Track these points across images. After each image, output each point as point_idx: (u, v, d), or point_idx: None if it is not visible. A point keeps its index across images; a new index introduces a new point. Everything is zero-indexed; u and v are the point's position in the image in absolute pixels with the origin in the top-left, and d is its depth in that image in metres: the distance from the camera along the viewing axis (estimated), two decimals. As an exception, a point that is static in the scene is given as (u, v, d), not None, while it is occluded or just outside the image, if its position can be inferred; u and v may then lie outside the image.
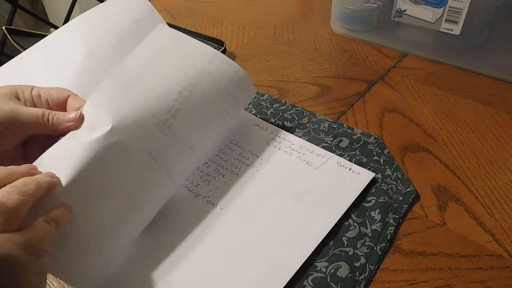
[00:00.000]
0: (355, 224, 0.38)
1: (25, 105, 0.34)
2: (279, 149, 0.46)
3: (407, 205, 0.40)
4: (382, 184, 0.42)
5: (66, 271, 0.32)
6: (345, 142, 0.48)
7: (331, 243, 0.37)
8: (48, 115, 0.33)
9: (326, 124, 0.51)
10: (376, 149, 0.47)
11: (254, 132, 0.49)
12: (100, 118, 0.34)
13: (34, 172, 0.31)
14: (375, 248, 0.37)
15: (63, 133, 0.34)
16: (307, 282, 0.34)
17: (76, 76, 0.44)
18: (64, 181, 0.31)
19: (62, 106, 0.36)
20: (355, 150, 0.47)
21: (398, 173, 0.44)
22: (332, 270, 0.35)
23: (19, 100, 0.34)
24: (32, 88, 0.35)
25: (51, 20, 0.85)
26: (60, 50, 0.46)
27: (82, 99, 0.36)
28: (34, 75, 0.44)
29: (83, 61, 0.45)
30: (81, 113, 0.34)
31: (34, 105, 0.35)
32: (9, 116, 0.32)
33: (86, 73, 0.45)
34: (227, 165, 0.45)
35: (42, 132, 0.34)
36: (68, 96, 0.36)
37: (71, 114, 0.34)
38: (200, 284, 0.34)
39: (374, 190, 0.42)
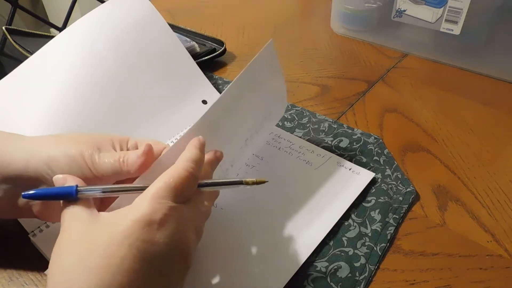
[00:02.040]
0: (355, 224, 0.38)
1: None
2: (279, 149, 0.46)
3: (407, 205, 0.40)
4: (382, 184, 0.42)
5: None
6: (345, 142, 0.48)
7: (331, 243, 0.37)
8: (124, 156, 0.30)
9: (326, 124, 0.51)
10: (376, 149, 0.47)
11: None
12: None
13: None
14: (375, 248, 0.37)
15: (137, 174, 0.30)
16: (307, 282, 0.34)
17: (77, 77, 0.44)
18: None
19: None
20: (355, 150, 0.47)
21: (398, 173, 0.44)
22: (332, 270, 0.35)
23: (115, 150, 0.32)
24: (128, 139, 0.33)
25: (51, 20, 0.85)
26: (61, 52, 0.46)
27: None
28: (36, 79, 0.44)
29: (84, 62, 0.45)
30: (149, 144, 0.31)
31: None
32: (93, 161, 0.30)
33: (87, 74, 0.45)
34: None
35: (121, 178, 0.31)
36: (163, 149, 0.32)
37: (142, 147, 0.31)
38: (199, 284, 0.34)
39: (374, 190, 0.42)
